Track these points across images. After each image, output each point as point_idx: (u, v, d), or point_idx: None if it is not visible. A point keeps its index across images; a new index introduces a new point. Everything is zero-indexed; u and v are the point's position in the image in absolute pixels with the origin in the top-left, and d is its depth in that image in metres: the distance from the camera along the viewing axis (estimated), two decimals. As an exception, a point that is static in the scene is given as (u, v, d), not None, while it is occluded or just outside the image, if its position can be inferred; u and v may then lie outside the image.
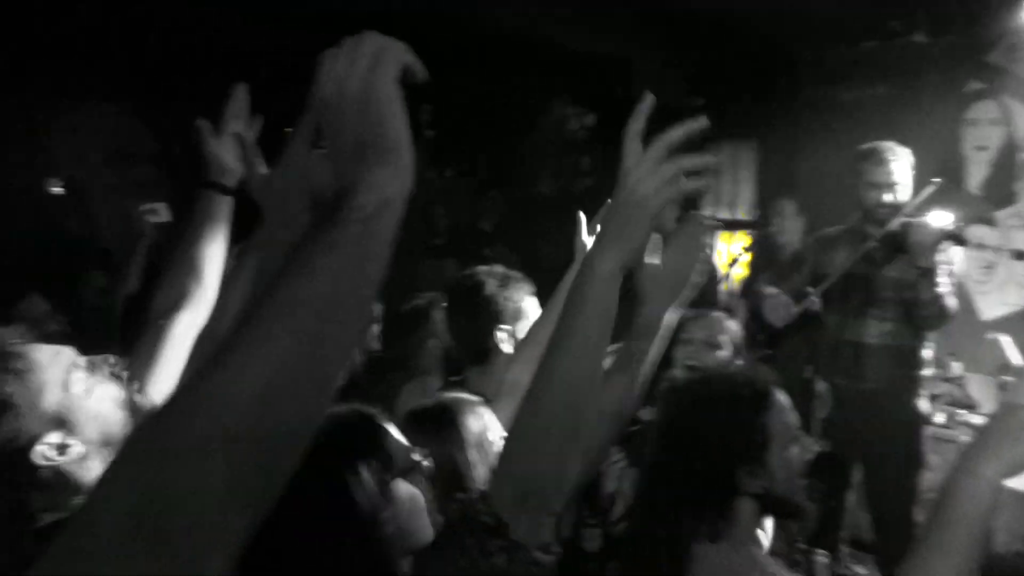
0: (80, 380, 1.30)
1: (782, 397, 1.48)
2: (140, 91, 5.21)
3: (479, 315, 2.11)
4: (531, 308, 2.16)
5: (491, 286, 2.16)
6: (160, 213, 3.02)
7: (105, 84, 5.04)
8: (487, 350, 2.09)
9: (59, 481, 1.27)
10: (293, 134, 1.10)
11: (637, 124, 1.11)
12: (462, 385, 2.10)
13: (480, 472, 1.49)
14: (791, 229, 4.19)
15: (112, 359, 1.32)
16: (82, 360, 1.33)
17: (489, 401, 1.78)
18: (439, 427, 1.60)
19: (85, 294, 3.43)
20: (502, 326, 2.09)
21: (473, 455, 1.55)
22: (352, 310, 0.69)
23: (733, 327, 2.51)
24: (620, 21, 4.84)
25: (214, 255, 1.73)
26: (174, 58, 4.92)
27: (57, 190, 4.23)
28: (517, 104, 5.95)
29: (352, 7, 4.31)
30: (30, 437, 1.24)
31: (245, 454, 0.61)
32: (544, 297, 2.14)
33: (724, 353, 2.38)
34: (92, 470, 1.30)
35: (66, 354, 1.32)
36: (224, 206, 1.74)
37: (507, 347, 2.08)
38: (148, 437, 0.63)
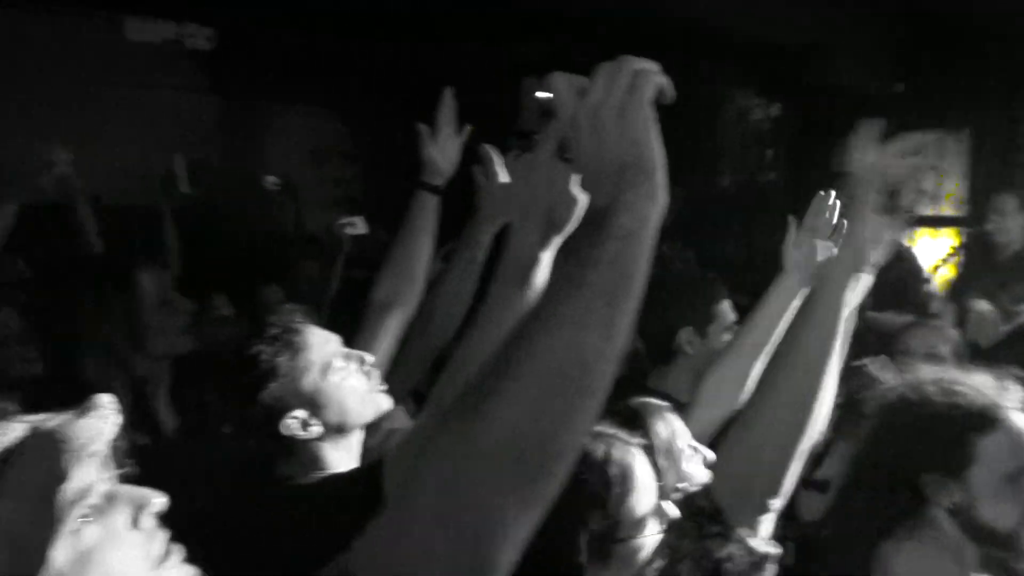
0: (338, 369, 1.40)
1: (1019, 423, 1.35)
2: (341, 94, 5.59)
3: (666, 316, 2.10)
4: (725, 311, 2.13)
5: (677, 287, 2.19)
6: (357, 226, 3.19)
7: (310, 87, 5.44)
8: (672, 351, 2.09)
9: (296, 453, 1.38)
10: (538, 148, 1.13)
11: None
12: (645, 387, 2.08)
13: (670, 479, 1.47)
14: (1013, 228, 3.78)
15: (366, 356, 1.44)
16: (343, 350, 1.44)
17: (680, 405, 1.75)
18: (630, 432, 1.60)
19: (298, 284, 3.71)
20: (687, 328, 2.08)
21: (662, 461, 1.52)
22: (616, 325, 0.72)
23: (953, 335, 2.31)
24: (812, 4, 4.59)
25: (423, 252, 1.84)
26: (375, 64, 5.22)
27: (273, 185, 4.60)
28: (697, 95, 5.80)
29: (536, 5, 4.38)
30: (283, 407, 1.35)
31: (529, 457, 0.67)
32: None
33: (945, 364, 2.21)
34: (323, 451, 1.41)
35: (334, 342, 1.44)
36: (434, 205, 1.85)
37: (690, 349, 2.08)
38: (448, 444, 0.69)
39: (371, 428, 1.50)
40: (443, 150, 1.84)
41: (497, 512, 0.66)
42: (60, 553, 0.59)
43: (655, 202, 0.77)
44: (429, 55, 4.79)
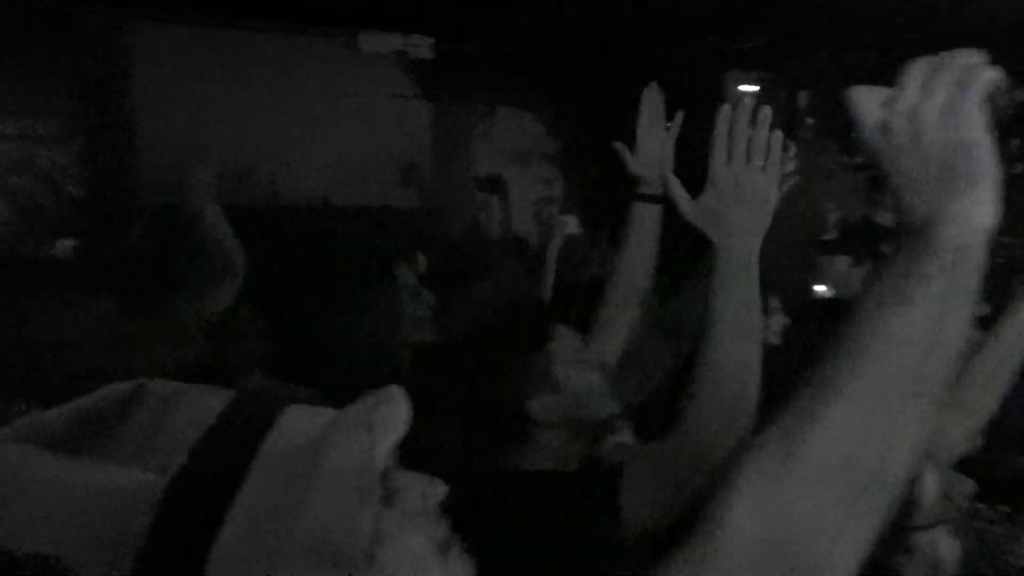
0: (580, 363, 1.43)
1: None
2: (543, 94, 5.75)
3: None
4: None
5: None
6: (570, 225, 3.21)
7: (517, 91, 5.65)
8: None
9: (530, 442, 1.37)
10: (711, 154, 1.13)
11: None
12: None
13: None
14: None
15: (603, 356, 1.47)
16: (583, 347, 1.47)
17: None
18: None
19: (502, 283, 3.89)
20: None
21: None
22: (950, 344, 0.69)
23: None
24: None
25: (647, 264, 1.77)
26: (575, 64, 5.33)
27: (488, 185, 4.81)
28: None
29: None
30: (531, 392, 1.36)
31: (857, 481, 0.66)
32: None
33: None
34: (555, 443, 1.38)
35: (572, 333, 1.48)
36: (655, 214, 1.75)
37: None
38: (770, 464, 0.68)
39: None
40: (651, 154, 1.72)
41: (830, 540, 0.65)
42: (368, 538, 0.60)
43: (987, 212, 0.71)
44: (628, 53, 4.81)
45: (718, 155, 1.22)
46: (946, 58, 0.73)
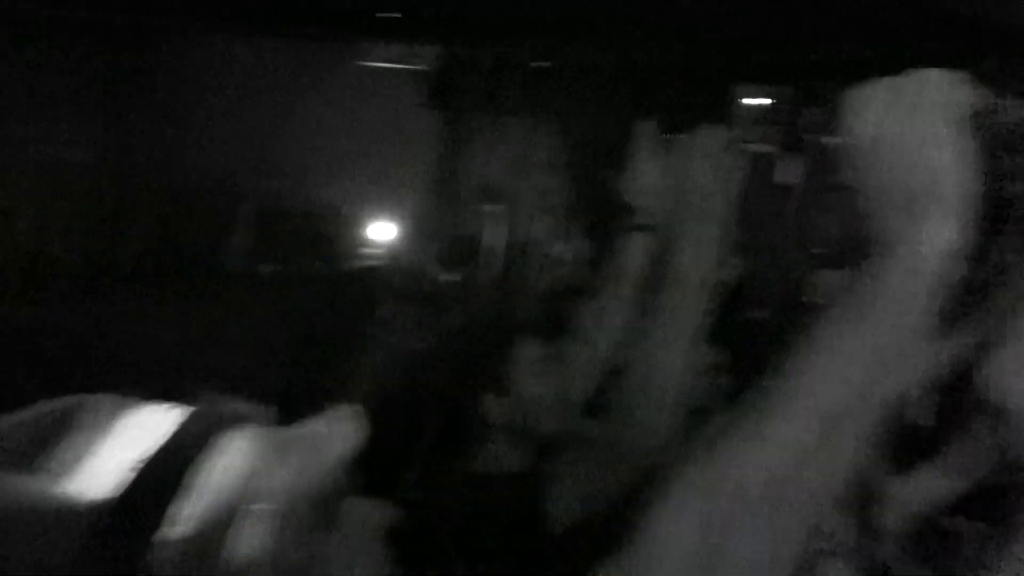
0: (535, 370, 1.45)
1: None
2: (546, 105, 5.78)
3: None
4: None
5: None
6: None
7: (517, 101, 5.68)
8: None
9: None
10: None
11: None
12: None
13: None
14: None
15: None
16: None
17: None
18: None
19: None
20: None
21: None
22: (892, 358, 0.69)
23: None
24: None
25: (631, 289, 1.73)
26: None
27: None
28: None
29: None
30: None
31: (790, 499, 0.65)
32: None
33: None
34: None
35: (534, 341, 1.51)
36: (646, 242, 1.70)
37: None
38: (701, 479, 0.69)
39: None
40: (644, 184, 1.71)
41: (755, 556, 0.63)
42: None
43: (948, 234, 0.72)
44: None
45: None
46: (914, 78, 0.72)
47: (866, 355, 0.59)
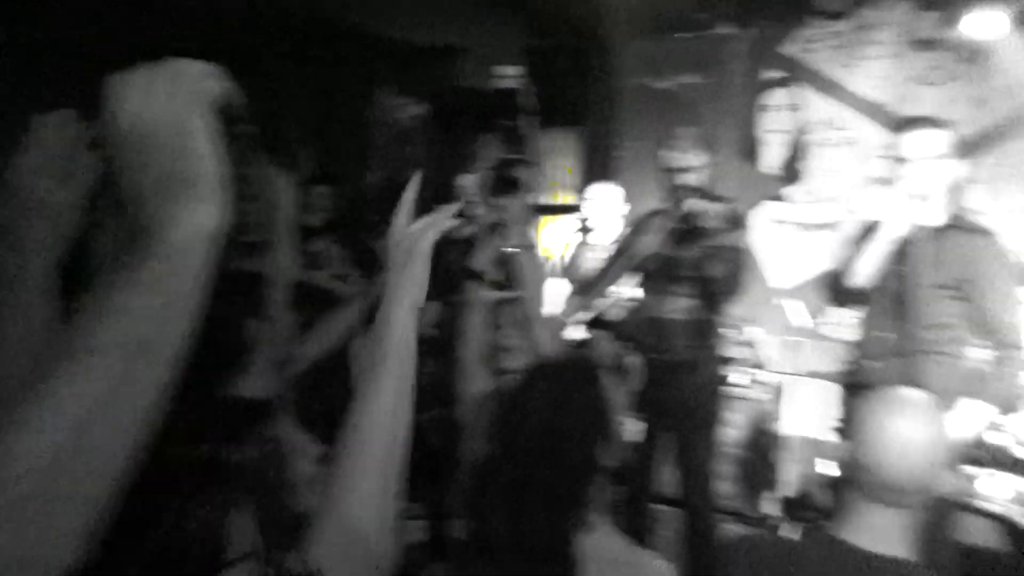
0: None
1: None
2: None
3: None
4: None
5: None
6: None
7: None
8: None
9: None
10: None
11: (408, 195, 1.24)
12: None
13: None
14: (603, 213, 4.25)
15: None
16: None
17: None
18: None
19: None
20: None
21: None
22: (160, 348, 0.68)
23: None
24: (448, 9, 5.03)
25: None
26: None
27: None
28: (343, 95, 5.61)
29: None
30: None
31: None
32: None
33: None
34: None
35: None
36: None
37: None
38: None
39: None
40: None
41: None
42: None
43: (207, 215, 0.71)
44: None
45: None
46: (160, 66, 0.73)
47: (130, 347, 0.66)
